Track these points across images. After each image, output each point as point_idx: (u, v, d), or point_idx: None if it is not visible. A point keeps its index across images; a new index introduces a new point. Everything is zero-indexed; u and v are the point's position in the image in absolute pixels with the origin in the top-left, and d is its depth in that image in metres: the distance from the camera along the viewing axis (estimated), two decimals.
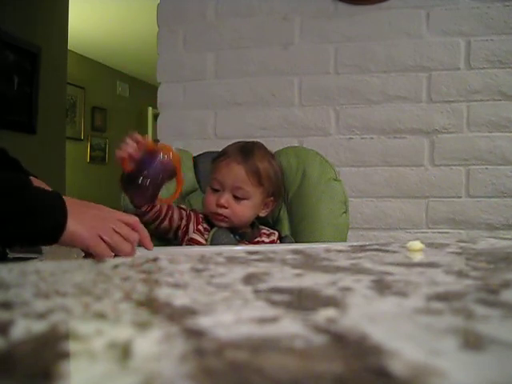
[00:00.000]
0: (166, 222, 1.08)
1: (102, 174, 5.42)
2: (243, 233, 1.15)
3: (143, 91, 6.12)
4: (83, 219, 0.69)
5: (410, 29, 1.66)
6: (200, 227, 1.12)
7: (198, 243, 1.10)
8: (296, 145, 1.67)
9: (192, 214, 1.14)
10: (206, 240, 1.11)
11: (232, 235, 1.13)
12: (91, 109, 5.50)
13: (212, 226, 1.13)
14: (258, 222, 1.19)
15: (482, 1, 1.61)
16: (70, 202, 0.69)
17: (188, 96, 1.82)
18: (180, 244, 1.12)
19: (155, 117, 5.73)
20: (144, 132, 6.38)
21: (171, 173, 0.94)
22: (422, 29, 1.66)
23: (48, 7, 3.25)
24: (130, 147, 0.91)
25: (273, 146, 1.48)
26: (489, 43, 1.61)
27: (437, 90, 1.65)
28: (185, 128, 1.82)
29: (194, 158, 1.33)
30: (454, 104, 1.64)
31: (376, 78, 1.69)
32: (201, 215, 1.15)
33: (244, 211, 1.12)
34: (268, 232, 1.18)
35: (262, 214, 1.17)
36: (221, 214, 1.10)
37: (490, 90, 1.61)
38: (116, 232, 0.71)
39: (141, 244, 0.76)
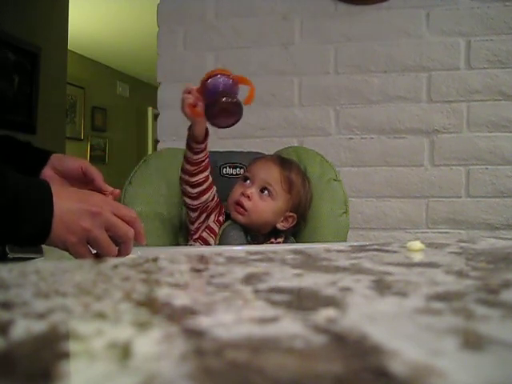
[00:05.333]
0: (204, 177, 1.10)
1: (102, 173, 5.41)
2: (256, 236, 1.16)
3: (143, 91, 6.12)
4: (70, 220, 0.63)
5: (409, 29, 1.66)
6: (220, 218, 1.15)
7: (213, 233, 1.13)
8: (296, 145, 1.67)
9: (220, 203, 1.17)
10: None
11: (244, 234, 1.13)
12: (91, 109, 5.50)
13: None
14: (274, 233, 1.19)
15: (482, 1, 1.61)
16: (58, 195, 0.63)
17: None
18: (195, 227, 1.14)
19: (155, 117, 5.73)
20: (144, 132, 6.38)
21: (235, 84, 0.98)
22: (422, 29, 1.66)
23: (48, 7, 3.25)
24: (190, 96, 0.99)
25: (273, 146, 1.49)
26: (489, 43, 1.61)
27: (437, 90, 1.65)
28: (185, 128, 1.81)
29: None
30: (453, 104, 1.64)
31: (376, 78, 1.69)
32: (224, 209, 1.17)
33: (265, 209, 1.12)
34: (276, 236, 1.19)
35: (279, 226, 1.16)
36: (242, 206, 1.11)
37: (490, 90, 1.61)
38: (108, 229, 0.66)
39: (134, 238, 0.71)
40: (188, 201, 1.12)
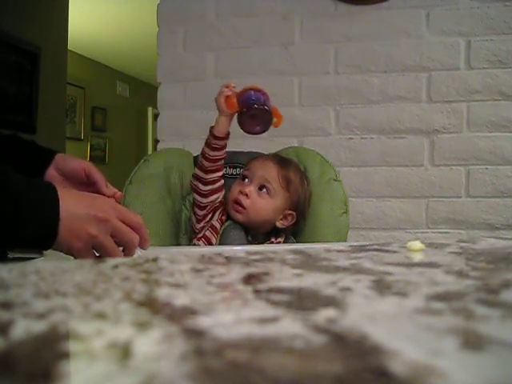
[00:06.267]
0: (217, 177, 1.14)
1: (102, 173, 5.40)
2: (256, 235, 1.16)
3: (143, 91, 6.12)
4: (77, 225, 0.63)
5: (409, 29, 1.66)
6: (223, 218, 1.17)
7: (215, 231, 1.14)
8: (296, 145, 1.67)
9: (223, 203, 1.18)
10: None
11: (244, 234, 1.14)
12: (91, 109, 5.50)
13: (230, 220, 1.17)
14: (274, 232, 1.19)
15: (482, 1, 1.61)
16: (65, 199, 0.63)
17: (188, 96, 1.82)
18: (199, 224, 1.16)
19: (155, 117, 5.73)
20: (144, 132, 6.38)
21: (267, 99, 1.08)
22: (422, 29, 1.66)
23: (48, 7, 3.25)
24: (228, 90, 1.07)
25: (273, 146, 1.49)
26: (489, 43, 1.61)
27: (437, 90, 1.65)
28: (185, 128, 1.82)
29: (194, 157, 1.33)
30: (453, 104, 1.64)
31: (376, 78, 1.69)
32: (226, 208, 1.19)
33: (263, 206, 1.13)
34: (276, 235, 1.19)
35: (279, 224, 1.16)
36: (240, 204, 1.12)
37: (490, 90, 1.61)
38: (114, 235, 0.66)
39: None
40: (198, 198, 1.14)
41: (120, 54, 5.38)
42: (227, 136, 1.11)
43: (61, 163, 0.87)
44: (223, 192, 1.17)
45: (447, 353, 0.17)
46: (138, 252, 0.73)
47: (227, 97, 1.07)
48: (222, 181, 1.16)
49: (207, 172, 1.12)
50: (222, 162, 1.14)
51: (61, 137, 3.52)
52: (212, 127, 1.11)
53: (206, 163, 1.12)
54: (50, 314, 0.22)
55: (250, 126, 1.08)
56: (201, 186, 1.13)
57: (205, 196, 1.13)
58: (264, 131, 1.09)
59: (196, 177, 1.14)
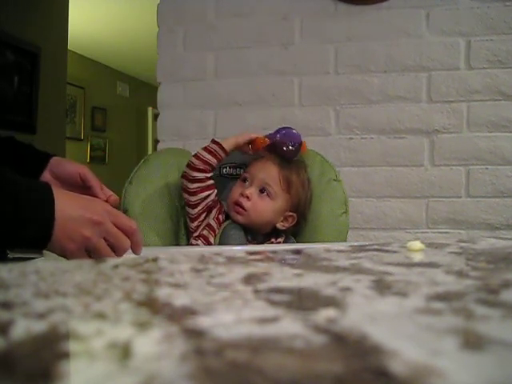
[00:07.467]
0: (205, 177, 1.16)
1: (102, 173, 5.38)
2: (256, 235, 1.16)
3: (143, 91, 6.12)
4: (71, 227, 0.63)
5: (409, 29, 1.66)
6: (220, 217, 1.17)
7: (213, 231, 1.15)
8: None
9: (220, 202, 1.20)
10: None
11: (244, 233, 1.14)
12: (91, 109, 5.50)
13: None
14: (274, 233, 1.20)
15: (482, 1, 1.61)
16: (60, 200, 0.63)
17: (188, 96, 1.82)
18: (195, 223, 1.18)
19: (155, 117, 5.73)
20: (144, 132, 6.38)
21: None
22: (422, 29, 1.66)
23: (48, 7, 3.25)
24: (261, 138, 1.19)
25: None
26: (489, 43, 1.61)
27: (437, 90, 1.65)
28: (185, 128, 1.82)
29: None
30: (453, 104, 1.64)
31: (376, 78, 1.69)
32: (224, 208, 1.19)
33: (264, 208, 1.13)
34: (276, 235, 1.19)
35: (279, 225, 1.17)
36: (241, 206, 1.12)
37: (490, 90, 1.61)
38: (106, 238, 0.66)
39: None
40: (186, 196, 1.16)
41: (120, 54, 5.38)
42: (226, 150, 1.16)
43: (56, 167, 0.86)
44: (215, 191, 1.17)
45: (447, 353, 0.17)
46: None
47: (257, 138, 1.18)
48: (211, 181, 1.17)
49: (194, 170, 1.14)
50: (211, 168, 1.16)
51: (61, 137, 3.52)
52: (221, 142, 1.16)
53: (195, 161, 1.15)
54: (50, 313, 0.22)
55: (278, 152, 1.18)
56: (188, 184, 1.15)
57: (193, 194, 1.15)
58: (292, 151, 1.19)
59: (183, 175, 1.16)
